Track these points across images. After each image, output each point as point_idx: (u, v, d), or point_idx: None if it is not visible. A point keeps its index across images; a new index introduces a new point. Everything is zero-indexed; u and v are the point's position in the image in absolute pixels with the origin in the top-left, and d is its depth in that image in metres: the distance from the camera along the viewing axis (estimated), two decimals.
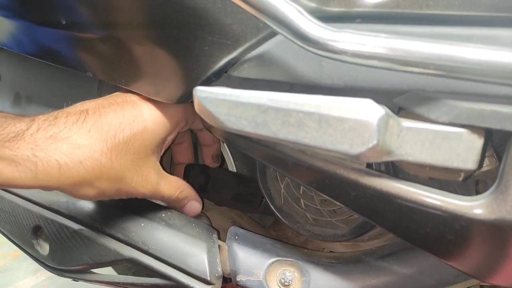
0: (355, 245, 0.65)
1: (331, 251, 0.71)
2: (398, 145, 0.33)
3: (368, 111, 0.32)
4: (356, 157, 0.33)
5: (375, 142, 0.32)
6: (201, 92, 0.39)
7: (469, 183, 0.40)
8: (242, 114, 0.37)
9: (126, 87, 0.51)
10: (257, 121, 0.36)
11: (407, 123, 0.33)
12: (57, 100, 0.68)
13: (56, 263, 0.59)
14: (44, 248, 0.61)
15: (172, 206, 0.57)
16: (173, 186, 0.53)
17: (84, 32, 0.51)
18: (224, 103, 0.38)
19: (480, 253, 0.35)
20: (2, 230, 0.65)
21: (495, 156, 0.38)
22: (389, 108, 0.35)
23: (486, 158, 0.38)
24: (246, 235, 0.54)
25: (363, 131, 0.32)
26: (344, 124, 0.33)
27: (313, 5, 0.39)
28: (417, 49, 0.31)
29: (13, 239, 0.65)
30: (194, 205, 0.58)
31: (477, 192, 0.40)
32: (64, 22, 0.51)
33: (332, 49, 0.33)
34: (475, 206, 0.32)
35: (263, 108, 0.36)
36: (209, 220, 0.65)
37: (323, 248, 0.72)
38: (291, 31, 0.34)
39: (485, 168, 0.38)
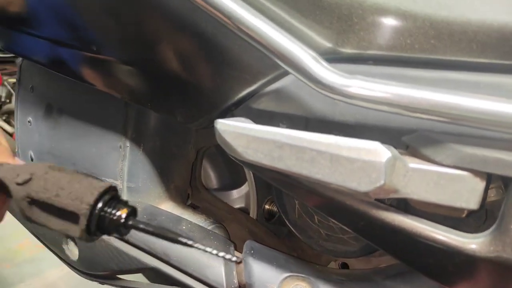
0: (367, 259, 0.67)
1: (344, 263, 0.73)
2: (404, 184, 0.35)
3: (376, 153, 0.34)
4: (365, 194, 0.36)
5: (382, 182, 0.34)
6: (222, 125, 0.42)
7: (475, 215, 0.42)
8: (259, 147, 0.40)
9: (151, 110, 0.54)
10: (273, 155, 0.39)
11: (413, 164, 0.35)
12: (86, 112, 0.72)
13: (84, 268, 0.64)
14: (74, 254, 0.66)
15: None
16: None
17: (113, 58, 0.54)
18: (243, 137, 0.41)
19: (479, 284, 0.37)
20: (36, 235, 0.71)
21: (502, 188, 0.39)
22: (397, 145, 0.37)
23: (493, 189, 0.40)
24: (262, 249, 0.57)
25: (371, 172, 0.34)
26: (353, 164, 0.35)
27: (329, 45, 0.41)
28: (423, 97, 0.33)
29: (46, 243, 0.70)
30: None
31: (485, 220, 0.42)
32: (95, 49, 0.55)
33: (344, 94, 0.35)
34: (475, 243, 0.35)
35: (279, 144, 0.39)
36: (227, 230, 0.69)
37: (336, 260, 0.74)
38: (306, 76, 0.36)
39: (491, 198, 0.40)
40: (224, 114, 0.48)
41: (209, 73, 0.46)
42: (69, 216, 0.36)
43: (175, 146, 0.69)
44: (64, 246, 0.66)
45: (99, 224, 0.36)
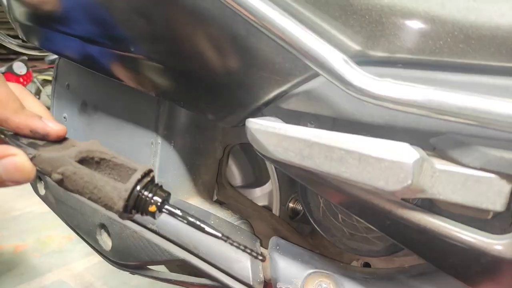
0: (389, 259, 0.68)
1: (366, 262, 0.74)
2: (431, 185, 0.36)
3: (405, 153, 0.36)
4: (391, 193, 0.37)
5: (409, 182, 0.35)
6: (253, 124, 0.44)
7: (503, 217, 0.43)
8: (289, 146, 0.42)
9: (184, 108, 0.57)
10: (303, 153, 0.41)
11: (440, 165, 0.36)
12: (120, 109, 0.76)
13: (117, 258, 0.67)
14: (107, 244, 0.69)
15: None
16: None
17: (145, 56, 0.57)
18: (273, 136, 0.43)
19: (503, 285, 0.38)
20: (70, 225, 0.74)
21: None
22: (425, 147, 0.38)
23: None
24: (287, 246, 0.59)
25: (399, 172, 0.36)
26: (381, 164, 0.37)
27: (358, 48, 0.42)
28: (451, 100, 0.34)
29: (80, 234, 0.73)
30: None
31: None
32: (126, 47, 0.57)
33: (373, 96, 0.36)
34: (499, 245, 0.35)
35: (308, 143, 0.40)
36: (252, 227, 0.71)
37: (358, 259, 0.75)
38: (337, 78, 0.38)
39: None
40: (254, 114, 0.50)
41: (240, 74, 0.48)
42: (112, 190, 0.38)
43: (203, 143, 0.71)
44: (98, 237, 0.69)
45: (136, 203, 0.38)
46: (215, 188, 0.80)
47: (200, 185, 0.74)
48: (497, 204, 0.35)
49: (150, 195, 0.39)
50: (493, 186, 0.35)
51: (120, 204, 0.37)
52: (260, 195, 0.94)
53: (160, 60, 0.56)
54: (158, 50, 0.56)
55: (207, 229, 0.40)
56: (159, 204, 0.39)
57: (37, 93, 4.49)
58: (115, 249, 0.67)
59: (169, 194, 0.41)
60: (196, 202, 0.72)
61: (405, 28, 0.39)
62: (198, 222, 0.40)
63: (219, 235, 0.41)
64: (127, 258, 0.65)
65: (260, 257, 0.41)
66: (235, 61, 0.48)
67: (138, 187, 0.38)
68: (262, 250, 0.61)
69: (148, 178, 0.40)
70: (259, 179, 0.94)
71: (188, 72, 0.54)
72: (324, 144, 0.40)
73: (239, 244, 0.40)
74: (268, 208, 0.89)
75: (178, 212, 0.40)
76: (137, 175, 0.39)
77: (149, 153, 0.70)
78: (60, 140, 0.42)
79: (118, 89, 0.75)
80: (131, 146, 0.72)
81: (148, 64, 0.58)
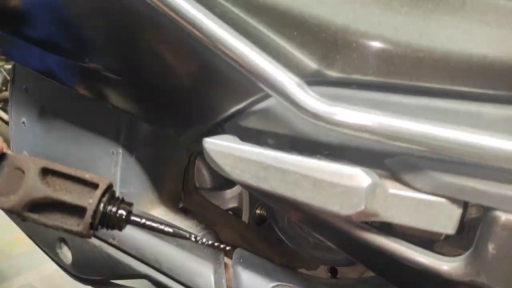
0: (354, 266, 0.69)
1: (333, 267, 0.75)
2: (385, 209, 0.37)
3: (358, 179, 0.36)
4: (346, 217, 0.37)
5: (362, 207, 0.35)
6: (209, 144, 0.43)
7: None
8: (246, 168, 0.41)
9: (143, 121, 0.55)
10: (259, 175, 0.40)
11: (393, 190, 0.36)
12: (79, 118, 0.73)
13: (78, 272, 0.66)
14: (67, 258, 0.67)
15: None
16: None
17: (106, 71, 0.55)
18: (230, 157, 0.42)
19: None
20: (32, 238, 0.72)
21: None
22: (380, 168, 0.38)
23: (474, 207, 0.41)
24: (250, 258, 0.59)
25: (353, 197, 0.36)
26: (336, 189, 0.36)
27: (315, 67, 0.42)
28: (401, 127, 0.34)
29: (41, 247, 0.71)
30: None
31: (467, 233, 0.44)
32: (87, 60, 0.55)
33: (326, 121, 0.36)
34: (450, 267, 0.36)
35: (264, 165, 0.40)
36: (217, 235, 0.70)
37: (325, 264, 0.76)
38: (290, 101, 0.37)
39: (472, 215, 0.42)
40: (213, 129, 0.49)
41: (197, 90, 0.47)
42: (72, 212, 0.39)
43: (167, 152, 0.70)
44: (58, 250, 0.67)
45: (101, 219, 0.39)
46: (181, 195, 0.78)
47: (164, 195, 0.72)
48: (448, 228, 0.36)
49: (114, 209, 0.40)
50: (444, 210, 0.36)
51: (86, 224, 0.38)
52: (230, 197, 0.94)
53: (115, 72, 0.54)
54: (112, 62, 0.54)
55: (173, 230, 0.42)
56: (123, 217, 0.40)
57: (4, 84, 4.30)
58: (75, 263, 0.65)
59: (131, 204, 0.41)
60: (160, 212, 0.71)
61: (359, 49, 0.39)
62: (162, 227, 0.42)
63: (187, 235, 0.42)
64: (88, 273, 0.64)
65: (222, 246, 0.44)
66: (191, 77, 0.46)
67: (102, 204, 0.39)
68: (226, 261, 0.61)
69: (109, 193, 0.40)
70: (228, 181, 0.94)
71: (144, 86, 0.52)
72: (280, 167, 0.39)
73: (203, 240, 0.43)
74: (238, 210, 0.88)
75: (143, 221, 0.41)
76: (99, 192, 0.39)
77: (110, 163, 0.68)
78: None
79: (77, 97, 0.72)
80: (91, 156, 0.70)
81: (104, 76, 0.56)
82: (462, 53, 0.35)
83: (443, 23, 0.37)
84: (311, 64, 0.42)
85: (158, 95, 0.51)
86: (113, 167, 0.67)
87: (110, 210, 0.40)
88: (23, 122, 0.86)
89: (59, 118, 0.77)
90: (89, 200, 0.39)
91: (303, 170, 0.38)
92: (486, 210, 0.34)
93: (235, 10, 0.42)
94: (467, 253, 0.36)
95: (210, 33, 0.38)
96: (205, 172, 0.97)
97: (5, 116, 4.36)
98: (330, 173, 0.37)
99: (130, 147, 0.66)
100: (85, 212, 0.38)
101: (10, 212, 0.39)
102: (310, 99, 0.36)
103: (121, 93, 0.57)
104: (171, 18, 0.41)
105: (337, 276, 0.85)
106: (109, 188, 0.41)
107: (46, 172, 0.39)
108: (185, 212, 0.75)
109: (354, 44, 0.38)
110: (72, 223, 0.39)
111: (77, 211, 0.39)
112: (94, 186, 0.40)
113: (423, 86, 0.38)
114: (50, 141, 0.79)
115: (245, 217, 0.85)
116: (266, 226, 0.80)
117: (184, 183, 0.78)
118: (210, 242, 0.44)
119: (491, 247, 0.33)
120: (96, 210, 0.39)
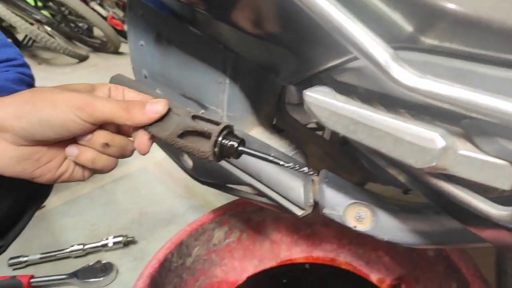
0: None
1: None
2: (453, 165, 0.45)
3: (433, 141, 0.43)
4: (419, 169, 0.46)
5: (434, 164, 0.44)
6: (309, 97, 0.53)
7: None
8: (338, 120, 0.50)
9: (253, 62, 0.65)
10: (349, 128, 0.50)
11: (463, 151, 0.44)
12: (192, 48, 0.84)
13: (197, 175, 0.84)
14: (189, 164, 0.86)
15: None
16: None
17: (222, 21, 0.63)
18: (325, 110, 0.51)
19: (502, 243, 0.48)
20: (164, 150, 0.91)
21: None
22: (457, 126, 0.45)
23: None
24: (333, 178, 0.71)
25: (426, 155, 0.44)
26: (413, 147, 0.45)
27: (410, 30, 0.46)
28: (480, 101, 0.40)
29: (167, 153, 0.90)
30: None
31: None
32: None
33: (415, 91, 0.43)
34: (500, 213, 0.45)
35: (354, 121, 0.49)
36: (306, 155, 0.83)
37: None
38: (381, 70, 0.44)
39: None
40: (310, 80, 0.57)
41: (299, 43, 0.55)
42: (203, 142, 0.52)
43: (266, 83, 0.80)
44: (181, 157, 0.86)
45: (221, 150, 0.52)
46: (275, 116, 0.90)
47: (262, 117, 0.85)
48: (505, 185, 0.43)
49: (230, 143, 0.52)
50: (504, 171, 0.43)
51: (210, 152, 0.52)
52: None
53: (228, 23, 0.62)
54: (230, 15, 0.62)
55: (274, 159, 0.53)
56: (235, 147, 0.52)
57: None
58: (195, 169, 0.84)
59: (243, 140, 0.53)
60: (259, 131, 0.84)
61: (455, 18, 0.42)
62: (266, 156, 0.53)
63: (282, 163, 0.54)
64: (206, 177, 0.82)
65: (311, 172, 0.55)
66: (297, 34, 0.54)
67: (220, 137, 0.51)
68: (314, 178, 0.74)
69: (227, 130, 0.53)
70: None
71: (254, 36, 0.60)
72: (367, 124, 0.48)
73: (295, 165, 0.54)
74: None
75: (252, 151, 0.53)
76: (220, 127, 0.52)
77: (218, 90, 0.80)
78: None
79: (189, 31, 0.83)
80: (203, 82, 0.83)
81: (217, 23, 0.65)
82: None
83: None
84: (407, 26, 0.46)
85: (265, 45, 0.60)
86: (221, 94, 0.80)
87: (226, 143, 0.52)
88: (141, 45, 1.00)
89: (173, 45, 0.88)
90: (214, 133, 0.51)
91: (387, 129, 0.46)
92: None
93: None
94: None
95: None
96: (292, 89, 1.06)
97: (103, 12, 4.59)
98: (410, 134, 0.45)
99: (235, 79, 0.77)
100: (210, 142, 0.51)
101: (165, 140, 0.52)
102: (399, 70, 0.43)
103: (227, 34, 0.65)
104: None
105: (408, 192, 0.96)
106: (228, 127, 0.52)
107: (193, 117, 0.52)
108: (278, 132, 0.87)
109: (454, 12, 0.41)
110: (202, 151, 0.52)
111: (206, 141, 0.52)
112: (218, 124, 0.52)
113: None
114: (166, 64, 0.92)
115: (326, 137, 0.96)
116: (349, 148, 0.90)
117: (278, 107, 0.89)
118: (301, 169, 0.54)
119: None
120: (216, 141, 0.51)
